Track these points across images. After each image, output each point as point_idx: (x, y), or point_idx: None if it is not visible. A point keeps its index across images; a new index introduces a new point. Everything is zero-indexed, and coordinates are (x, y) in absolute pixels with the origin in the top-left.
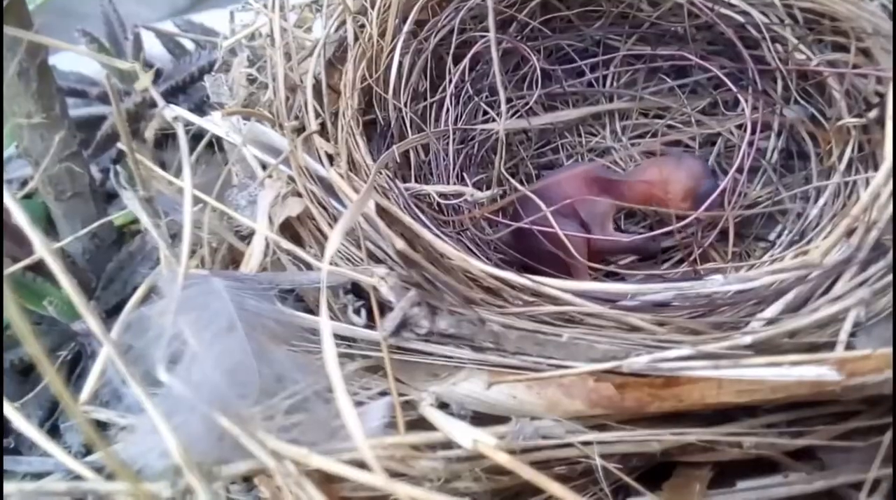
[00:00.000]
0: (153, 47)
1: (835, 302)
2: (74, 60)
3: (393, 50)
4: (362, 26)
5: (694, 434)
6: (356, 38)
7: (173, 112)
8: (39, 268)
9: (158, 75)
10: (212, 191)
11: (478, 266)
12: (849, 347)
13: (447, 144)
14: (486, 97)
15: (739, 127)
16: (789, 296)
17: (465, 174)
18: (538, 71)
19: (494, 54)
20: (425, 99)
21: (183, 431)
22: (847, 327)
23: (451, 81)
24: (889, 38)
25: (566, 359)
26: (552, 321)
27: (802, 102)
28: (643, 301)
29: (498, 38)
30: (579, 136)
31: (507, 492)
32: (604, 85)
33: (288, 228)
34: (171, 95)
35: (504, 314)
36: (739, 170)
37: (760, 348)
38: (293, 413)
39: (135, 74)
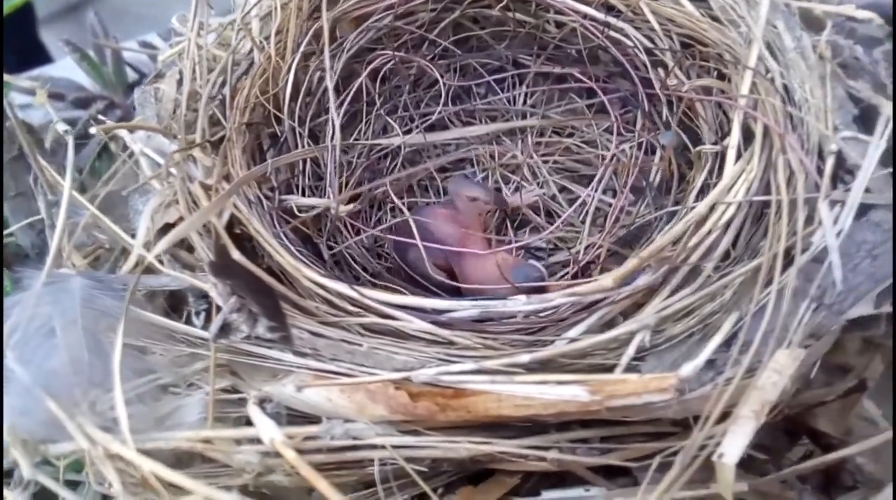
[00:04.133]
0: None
1: (622, 326)
2: (67, 68)
3: (290, 68)
4: (262, 48)
5: (495, 445)
6: (264, 57)
7: (64, 126)
8: None
9: (141, 82)
10: (122, 196)
11: (308, 275)
12: (634, 370)
13: (353, 158)
14: (401, 113)
15: (634, 147)
16: (592, 318)
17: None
18: (443, 87)
19: (329, 79)
20: (326, 114)
21: (17, 411)
22: (630, 351)
23: (345, 99)
24: (745, 67)
25: (374, 367)
26: (361, 331)
27: (678, 128)
28: (460, 317)
29: (405, 58)
30: (492, 153)
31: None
32: (516, 103)
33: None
34: None
35: (324, 324)
36: (625, 187)
37: (551, 367)
38: (132, 405)
39: (110, 83)
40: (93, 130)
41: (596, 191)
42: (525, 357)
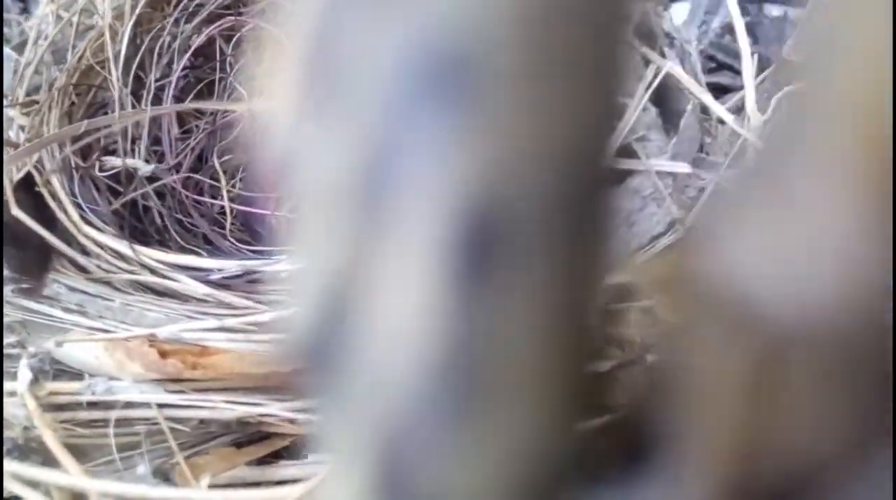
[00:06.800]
0: None
1: None
2: None
3: (124, 32)
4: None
5: (260, 407)
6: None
7: None
8: None
9: None
10: None
11: (84, 231)
12: None
13: (202, 124)
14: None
15: None
16: None
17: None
18: None
19: (107, 36)
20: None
21: None
22: None
23: (180, 65)
24: None
25: (134, 324)
26: (123, 288)
27: None
28: (229, 275)
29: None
30: None
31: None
32: None
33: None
34: None
35: (91, 280)
36: None
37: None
38: None
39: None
40: None
41: None
42: (267, 316)
